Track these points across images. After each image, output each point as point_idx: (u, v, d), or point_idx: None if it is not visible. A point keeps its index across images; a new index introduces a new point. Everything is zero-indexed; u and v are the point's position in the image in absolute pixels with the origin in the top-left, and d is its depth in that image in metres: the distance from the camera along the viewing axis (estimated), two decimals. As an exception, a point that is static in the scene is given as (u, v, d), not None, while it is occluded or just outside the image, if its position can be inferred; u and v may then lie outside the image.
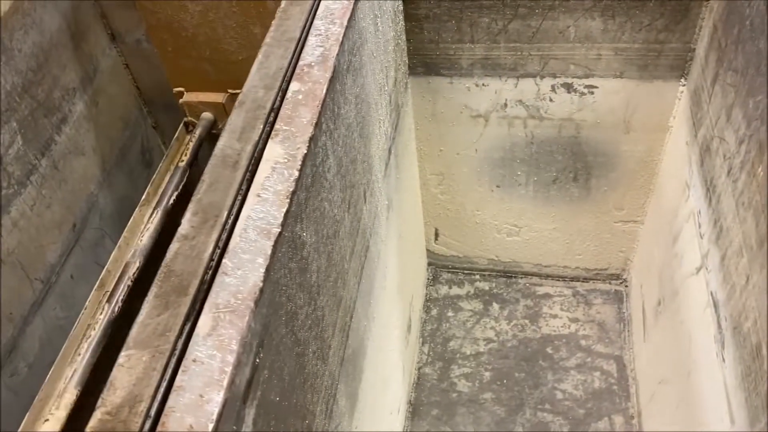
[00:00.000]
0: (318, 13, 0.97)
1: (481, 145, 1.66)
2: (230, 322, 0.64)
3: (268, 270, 0.69)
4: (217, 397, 0.59)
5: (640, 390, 1.73)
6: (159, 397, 0.61)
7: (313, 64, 0.90)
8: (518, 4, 1.36)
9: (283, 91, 0.87)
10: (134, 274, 1.37)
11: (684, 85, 1.43)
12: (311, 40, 0.93)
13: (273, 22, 0.97)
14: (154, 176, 1.60)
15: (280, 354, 0.75)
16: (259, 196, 0.75)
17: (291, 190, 0.75)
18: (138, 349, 0.64)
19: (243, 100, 0.86)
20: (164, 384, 0.61)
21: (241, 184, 0.77)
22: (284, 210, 0.73)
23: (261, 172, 0.77)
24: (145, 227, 1.43)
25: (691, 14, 1.32)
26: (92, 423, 0.59)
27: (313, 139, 0.81)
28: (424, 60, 1.50)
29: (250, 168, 0.78)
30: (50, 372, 1.25)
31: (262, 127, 0.83)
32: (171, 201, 1.48)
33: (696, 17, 1.32)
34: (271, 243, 0.71)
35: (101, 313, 1.34)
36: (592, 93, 1.50)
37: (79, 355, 1.33)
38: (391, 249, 1.46)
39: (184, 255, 0.71)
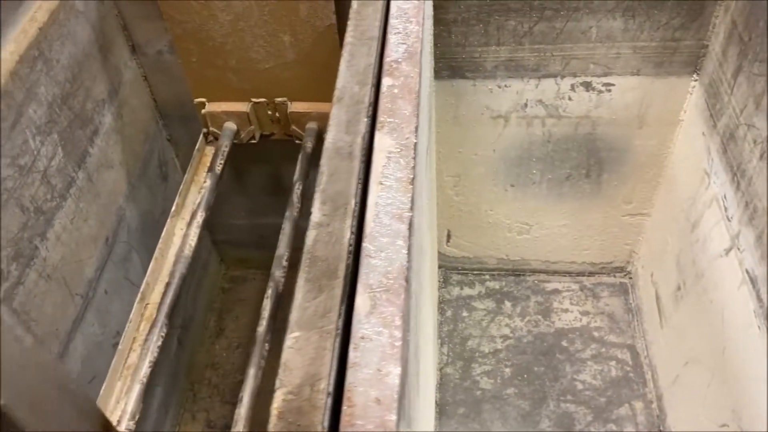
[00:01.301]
0: (391, 12, 1.00)
1: (499, 145, 1.72)
2: (388, 301, 0.66)
3: (408, 251, 0.71)
4: (395, 370, 0.61)
5: (659, 375, 1.81)
6: (334, 374, 0.62)
7: (400, 60, 0.93)
8: (545, 6, 1.42)
9: (375, 86, 0.90)
10: (179, 282, 1.36)
11: (696, 80, 1.52)
12: (392, 38, 0.96)
13: (349, 23, 1.00)
14: (181, 187, 1.59)
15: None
16: (381, 183, 0.77)
17: (411, 177, 0.78)
18: (303, 330, 0.65)
19: (341, 96, 0.88)
20: (335, 362, 0.63)
21: (360, 174, 0.79)
22: (410, 195, 0.76)
23: (377, 162, 0.79)
24: (185, 236, 1.41)
25: (705, 13, 1.41)
26: (276, 403, 0.60)
27: (417, 130, 0.84)
28: (450, 63, 1.55)
29: (364, 158, 0.81)
30: (101, 391, 1.22)
31: (366, 120, 0.85)
32: (207, 209, 1.47)
33: (710, 16, 1.41)
34: (406, 226, 0.73)
35: (150, 325, 1.32)
36: (610, 91, 1.57)
37: (128, 369, 1.30)
38: (426, 248, 1.49)
39: (324, 241, 0.72)
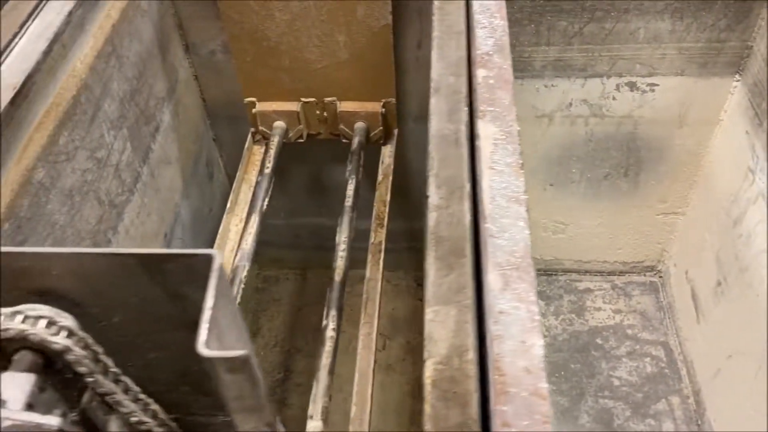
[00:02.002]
0: (474, 8, 1.03)
1: (542, 144, 1.75)
2: (519, 278, 0.69)
3: (528, 231, 0.73)
4: (539, 342, 0.64)
5: (696, 370, 1.84)
6: (473, 345, 0.64)
7: (490, 52, 0.96)
8: (596, 7, 1.46)
9: (469, 77, 0.93)
10: (244, 277, 1.37)
11: (738, 81, 1.57)
12: (479, 32, 0.99)
13: (434, 18, 1.03)
14: (234, 185, 1.61)
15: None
16: (492, 168, 0.80)
17: (520, 162, 0.81)
18: (441, 305, 0.67)
19: (437, 87, 0.91)
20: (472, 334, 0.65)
21: (469, 159, 0.82)
22: (523, 180, 0.79)
23: (485, 149, 0.82)
24: (245, 232, 1.43)
25: (752, 15, 1.45)
26: (428, 372, 0.62)
27: (518, 118, 0.87)
28: (498, 63, 1.58)
29: (470, 145, 0.83)
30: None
31: (465, 109, 0.88)
32: (264, 206, 1.49)
33: (756, 17, 1.46)
34: (525, 208, 0.76)
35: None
36: (653, 90, 1.61)
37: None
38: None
39: (446, 222, 0.75)
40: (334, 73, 1.59)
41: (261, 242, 2.23)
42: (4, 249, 0.48)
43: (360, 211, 2.08)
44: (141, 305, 0.51)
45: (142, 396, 0.63)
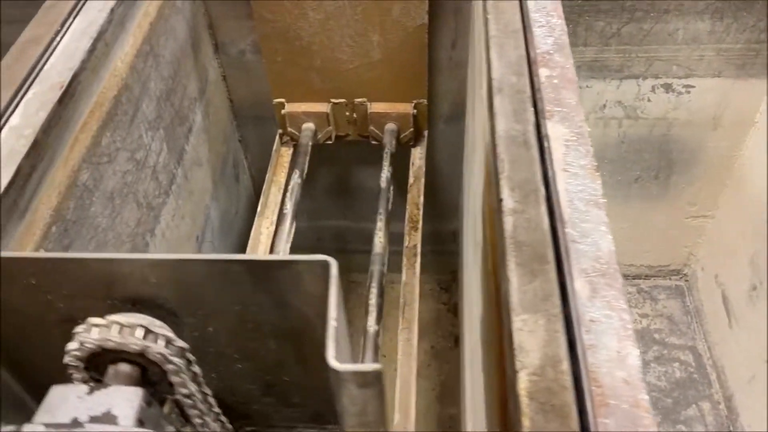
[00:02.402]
0: (530, 6, 1.01)
1: (573, 146, 1.73)
2: (608, 285, 0.66)
3: (611, 236, 0.71)
4: (634, 351, 0.61)
5: (728, 375, 1.82)
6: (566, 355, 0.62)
7: (551, 51, 0.93)
8: (636, 7, 1.44)
9: (530, 77, 0.90)
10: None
11: (776, 82, 1.55)
12: (537, 30, 0.97)
13: (490, 18, 1.00)
14: (264, 187, 1.58)
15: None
16: (566, 171, 0.77)
17: (594, 164, 0.78)
18: (529, 313, 0.64)
19: (500, 87, 0.88)
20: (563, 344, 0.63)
21: (540, 161, 0.79)
22: (599, 182, 0.76)
23: (556, 150, 0.80)
24: (278, 238, 1.40)
25: (793, 15, 1.43)
26: (523, 384, 0.59)
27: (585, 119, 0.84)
28: (533, 64, 1.56)
29: (540, 146, 0.81)
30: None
31: (531, 109, 0.86)
32: (295, 208, 1.46)
33: (797, 18, 1.44)
34: (604, 212, 0.73)
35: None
36: (689, 92, 1.59)
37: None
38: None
39: (523, 227, 0.72)
40: (366, 73, 1.57)
41: (282, 245, 2.21)
42: (101, 255, 0.45)
43: (396, 214, 2.06)
44: (240, 314, 0.49)
45: (217, 408, 0.60)
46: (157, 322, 0.48)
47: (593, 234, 0.71)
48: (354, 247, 2.15)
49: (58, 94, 0.92)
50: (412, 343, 1.32)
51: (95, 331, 0.45)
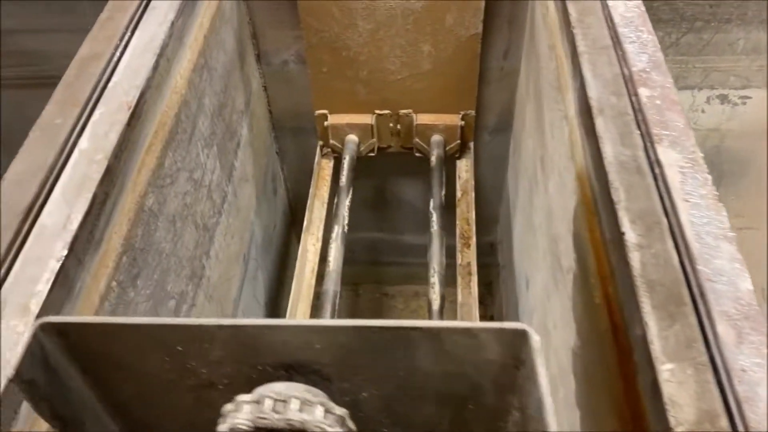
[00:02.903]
0: (615, 21, 0.96)
1: (621, 158, 1.68)
2: (753, 329, 0.61)
3: (748, 273, 0.66)
4: (797, 406, 0.56)
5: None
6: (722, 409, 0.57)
7: (647, 69, 0.88)
8: (696, 17, 1.39)
9: (630, 96, 0.86)
10: (338, 302, 1.30)
11: (836, 93, 1.50)
12: (628, 47, 0.92)
13: (576, 32, 0.95)
14: (309, 202, 1.53)
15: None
16: (687, 201, 0.73)
17: (715, 193, 0.73)
18: (675, 362, 0.60)
19: (601, 108, 0.84)
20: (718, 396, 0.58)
21: (657, 190, 0.74)
22: (725, 214, 0.71)
23: (671, 178, 0.75)
24: (330, 255, 1.35)
25: None
26: (681, 443, 0.54)
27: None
28: (586, 75, 1.51)
29: (654, 173, 0.76)
30: None
31: (637, 132, 0.81)
32: (346, 224, 1.41)
33: None
34: (736, 247, 0.68)
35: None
36: (745, 104, 1.55)
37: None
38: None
39: (652, 264, 0.67)
40: (413, 84, 1.51)
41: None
42: (262, 322, 0.40)
43: (421, 226, 2.01)
44: (403, 379, 0.44)
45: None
46: (313, 390, 0.43)
47: (728, 272, 0.66)
48: (388, 260, 2.10)
49: (126, 115, 0.86)
50: (474, 367, 1.26)
51: (246, 410, 0.40)
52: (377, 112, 1.57)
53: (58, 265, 0.70)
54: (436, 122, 1.56)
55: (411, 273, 2.16)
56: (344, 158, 1.56)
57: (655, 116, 0.82)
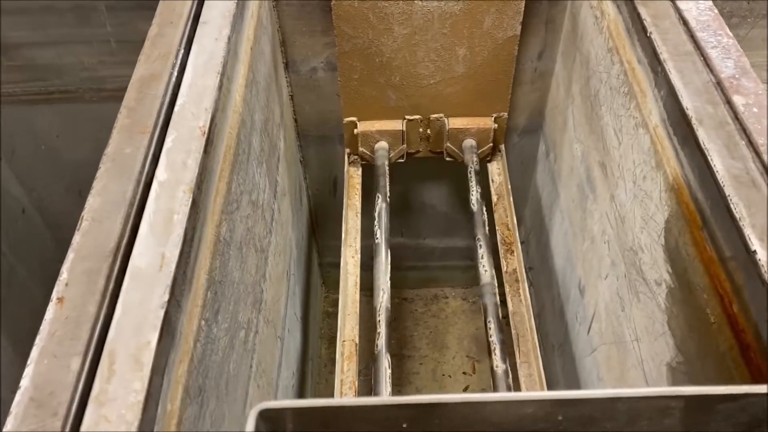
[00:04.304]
0: (692, 25, 0.94)
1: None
2: None
3: None
4: None
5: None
6: None
7: (736, 76, 0.87)
8: (733, 13, 1.39)
9: (726, 104, 0.84)
10: (389, 318, 1.26)
11: None
12: (711, 52, 0.90)
13: (654, 37, 0.93)
14: (344, 212, 1.48)
15: None
16: (810, 215, 0.71)
17: (836, 205, 0.72)
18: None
19: (700, 118, 0.81)
20: None
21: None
22: None
23: (790, 191, 0.73)
24: (381, 267, 1.31)
25: None
26: None
27: None
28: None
29: (768, 186, 0.74)
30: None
31: (743, 143, 0.79)
32: (388, 236, 1.38)
33: None
34: None
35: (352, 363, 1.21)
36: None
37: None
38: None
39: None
40: (446, 88, 1.48)
41: (330, 264, 2.11)
42: (501, 396, 0.36)
43: (442, 230, 1.99)
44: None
45: None
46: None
47: None
48: (408, 264, 2.07)
49: (202, 141, 0.81)
50: (535, 379, 1.24)
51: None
52: (407, 117, 1.53)
53: (162, 312, 0.65)
54: (469, 126, 1.53)
55: (431, 276, 2.13)
56: (377, 165, 1.52)
57: (756, 125, 0.80)
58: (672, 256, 0.86)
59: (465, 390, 1.93)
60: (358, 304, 1.38)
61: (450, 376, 1.95)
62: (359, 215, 1.53)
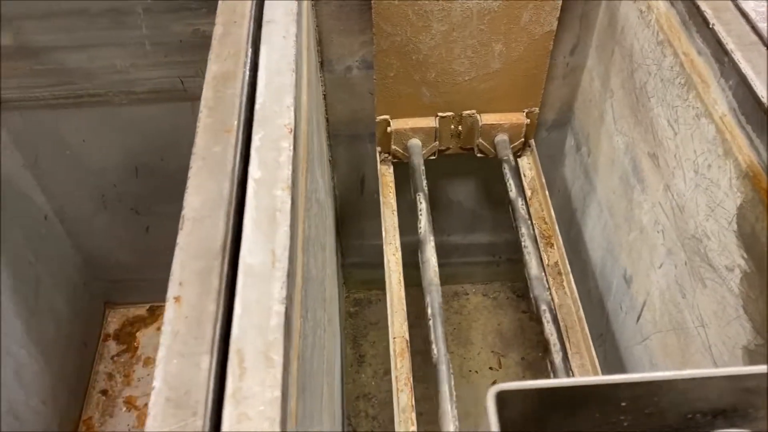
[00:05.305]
0: (751, 17, 0.96)
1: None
2: None
3: None
4: None
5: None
6: None
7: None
8: (761, 6, 1.42)
9: (796, 94, 0.86)
10: (439, 312, 1.27)
11: None
12: (777, 43, 0.92)
13: (717, 29, 0.95)
14: (381, 210, 1.49)
15: None
16: None
17: None
18: None
19: (779, 107, 0.83)
20: None
21: None
22: None
23: None
24: (426, 267, 1.32)
25: None
26: None
27: None
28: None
29: None
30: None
31: (822, 130, 0.81)
32: (431, 229, 1.39)
33: None
34: None
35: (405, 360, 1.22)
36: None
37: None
38: None
39: None
40: (479, 84, 1.49)
41: (351, 264, 2.11)
42: (727, 371, 0.37)
43: (467, 226, 2.00)
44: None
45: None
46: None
47: None
48: (430, 262, 2.07)
49: (290, 139, 0.81)
50: (588, 368, 1.26)
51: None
52: (440, 114, 1.54)
53: (283, 309, 0.65)
54: (502, 121, 1.54)
55: (452, 273, 2.14)
56: (413, 162, 1.53)
57: (832, 111, 0.83)
58: (747, 242, 0.88)
59: (492, 384, 1.94)
60: (404, 301, 1.39)
61: (477, 372, 1.96)
62: (395, 213, 1.54)
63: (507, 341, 2.04)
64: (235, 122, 0.83)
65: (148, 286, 2.00)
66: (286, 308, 0.66)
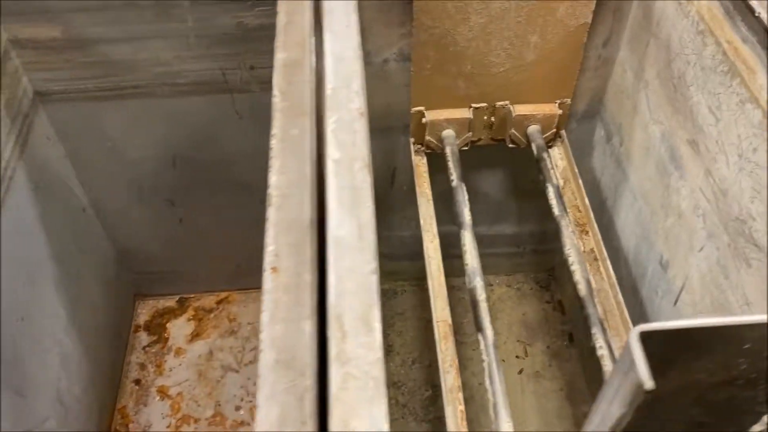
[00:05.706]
0: (796, 5, 1.00)
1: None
2: None
3: None
4: None
5: None
6: None
7: None
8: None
9: (844, 78, 0.90)
10: (484, 297, 1.31)
11: None
12: (820, 29, 0.96)
13: (762, 16, 0.99)
14: (418, 199, 1.53)
15: None
16: None
17: None
18: None
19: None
20: None
21: None
22: None
23: None
24: (466, 253, 1.36)
25: None
26: None
27: None
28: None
29: None
30: None
31: None
32: (470, 218, 1.43)
33: None
34: None
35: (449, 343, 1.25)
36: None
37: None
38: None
39: None
40: (514, 76, 1.53)
41: (382, 256, 2.15)
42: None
43: (494, 217, 2.03)
44: None
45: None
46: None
47: None
48: (454, 252, 2.10)
49: (363, 122, 0.85)
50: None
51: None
52: (473, 105, 1.58)
53: (375, 278, 0.69)
54: (535, 112, 1.58)
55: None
56: (448, 152, 1.56)
57: None
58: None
59: (519, 373, 1.98)
60: (444, 287, 1.43)
61: (504, 360, 2.00)
62: (431, 201, 1.57)
63: (532, 331, 2.08)
64: (308, 106, 0.87)
65: (176, 278, 2.03)
66: (377, 277, 0.69)
